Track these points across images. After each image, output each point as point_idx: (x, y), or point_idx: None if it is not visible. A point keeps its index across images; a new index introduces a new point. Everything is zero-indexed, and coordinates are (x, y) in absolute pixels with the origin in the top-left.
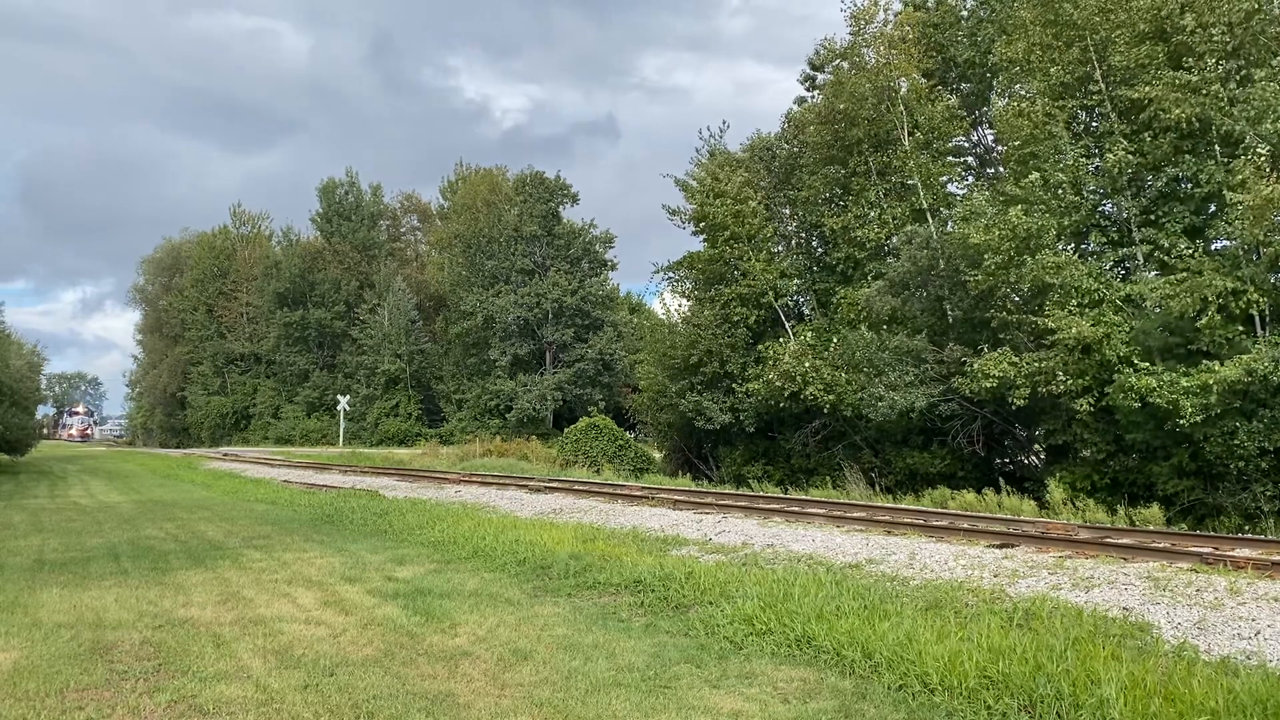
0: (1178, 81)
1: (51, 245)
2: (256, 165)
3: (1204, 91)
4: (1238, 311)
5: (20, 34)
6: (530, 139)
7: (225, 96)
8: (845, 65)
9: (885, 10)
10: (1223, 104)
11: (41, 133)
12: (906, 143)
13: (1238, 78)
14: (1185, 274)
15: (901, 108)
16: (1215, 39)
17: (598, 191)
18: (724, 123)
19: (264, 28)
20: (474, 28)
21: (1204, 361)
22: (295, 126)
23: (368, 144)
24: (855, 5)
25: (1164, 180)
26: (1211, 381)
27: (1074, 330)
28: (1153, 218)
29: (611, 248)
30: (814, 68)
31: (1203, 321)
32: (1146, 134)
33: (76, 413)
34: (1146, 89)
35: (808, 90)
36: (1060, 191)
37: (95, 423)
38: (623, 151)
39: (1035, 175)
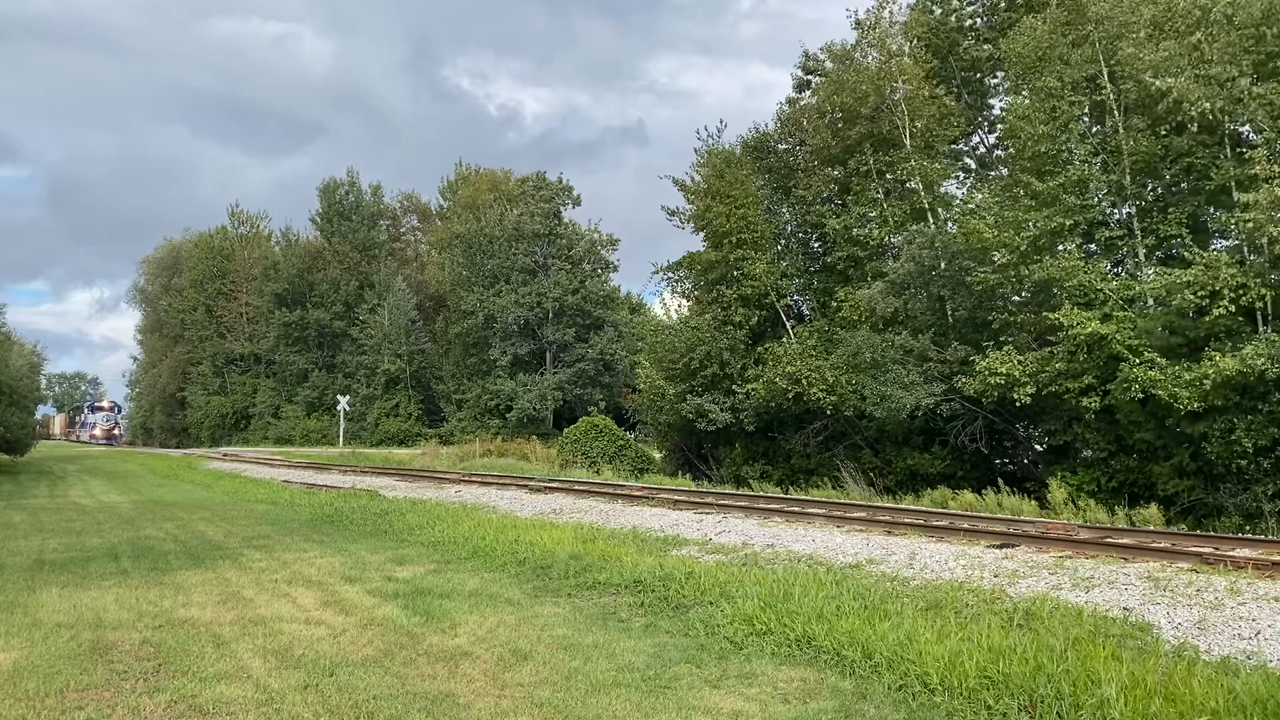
0: (1200, 75)
1: (75, 247)
2: (283, 170)
3: (1227, 85)
4: (1241, 306)
5: (47, 39)
6: (556, 144)
7: (251, 102)
8: (846, 65)
9: (891, 15)
10: (1241, 101)
11: (70, 137)
12: (908, 143)
13: (1253, 76)
14: (1198, 268)
15: (904, 109)
16: (1233, 38)
17: (621, 196)
18: (721, 122)
19: (287, 33)
20: (492, 31)
21: (1206, 350)
22: (321, 132)
23: (395, 149)
24: (859, 12)
25: (1174, 172)
26: (1210, 372)
27: (1088, 328)
28: (1158, 210)
29: (615, 250)
30: (806, 72)
31: (1211, 316)
32: (1163, 127)
33: (100, 408)
34: (1170, 81)
35: (798, 92)
36: (1075, 189)
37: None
38: (639, 155)
39: (1062, 175)
